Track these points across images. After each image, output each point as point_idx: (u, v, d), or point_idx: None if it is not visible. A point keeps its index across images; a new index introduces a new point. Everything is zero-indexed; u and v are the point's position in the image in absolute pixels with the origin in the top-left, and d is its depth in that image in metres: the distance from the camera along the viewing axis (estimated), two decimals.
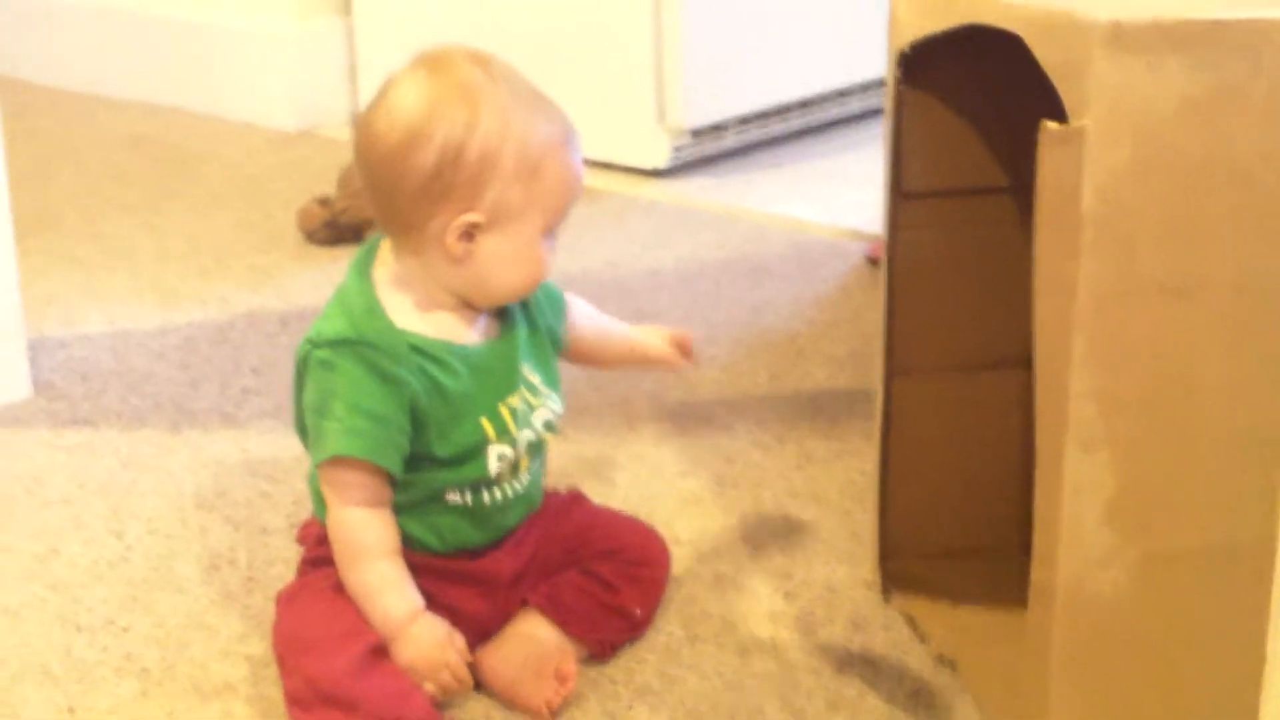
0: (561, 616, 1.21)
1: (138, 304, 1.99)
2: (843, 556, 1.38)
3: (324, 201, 2.21)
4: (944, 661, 1.23)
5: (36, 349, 1.80)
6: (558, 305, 1.25)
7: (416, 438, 1.14)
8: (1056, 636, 1.04)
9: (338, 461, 1.13)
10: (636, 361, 1.34)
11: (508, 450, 1.17)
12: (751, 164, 2.60)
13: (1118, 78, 0.94)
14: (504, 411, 1.17)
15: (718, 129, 2.58)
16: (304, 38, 2.82)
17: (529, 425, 1.19)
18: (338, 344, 1.13)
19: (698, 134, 2.54)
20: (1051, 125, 0.96)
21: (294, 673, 1.13)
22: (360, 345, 1.12)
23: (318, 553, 1.21)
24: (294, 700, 1.13)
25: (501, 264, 1.14)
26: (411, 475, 1.15)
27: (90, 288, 2.05)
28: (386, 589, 1.15)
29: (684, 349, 1.32)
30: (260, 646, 1.25)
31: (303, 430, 1.19)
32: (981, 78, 1.21)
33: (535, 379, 1.20)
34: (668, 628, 1.27)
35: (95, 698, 1.19)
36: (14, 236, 1.70)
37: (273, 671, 1.21)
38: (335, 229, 2.19)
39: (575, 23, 2.53)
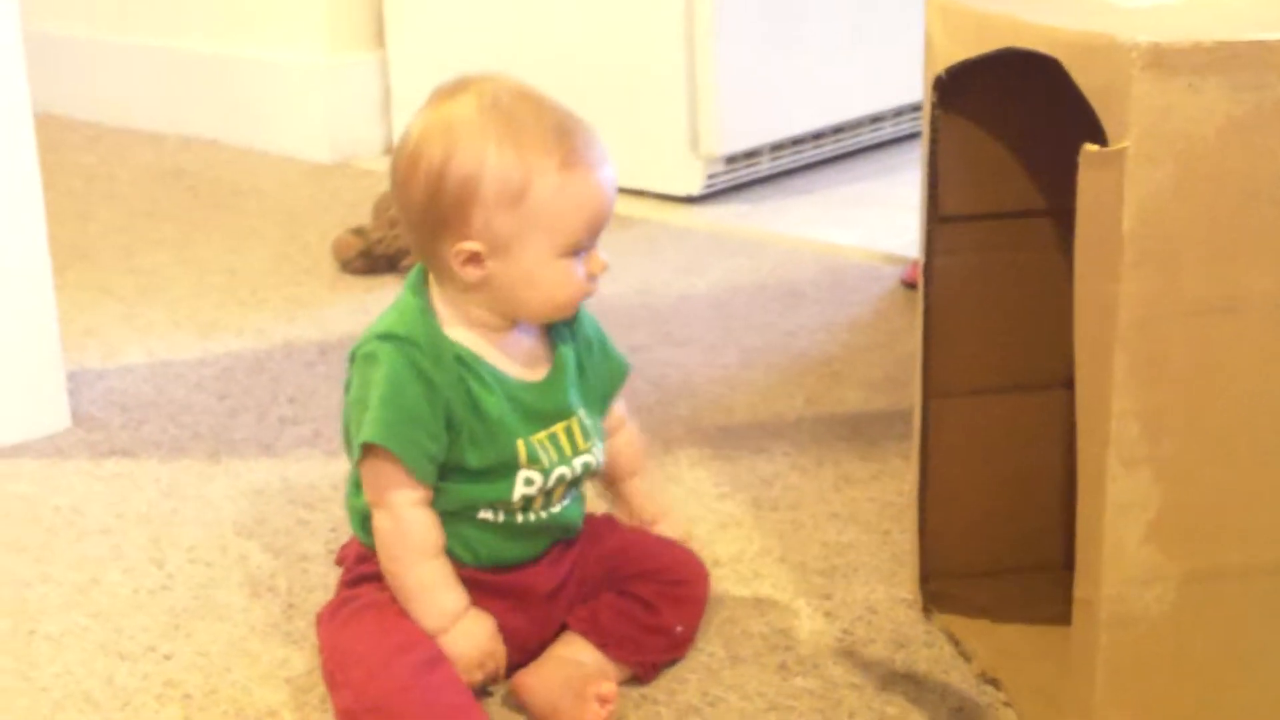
0: (602, 639, 1.21)
1: (176, 335, 2.00)
2: (883, 576, 1.38)
3: (359, 232, 2.22)
4: (987, 680, 1.22)
5: (76, 381, 1.82)
6: (615, 377, 1.27)
7: (451, 444, 1.15)
8: (1100, 655, 1.03)
9: (370, 451, 1.14)
10: (617, 501, 1.34)
11: (536, 476, 1.18)
12: (785, 189, 2.60)
13: (1158, 99, 0.94)
14: (538, 443, 1.18)
15: (751, 155, 2.58)
16: (338, 70, 2.84)
17: (567, 463, 1.20)
18: (386, 338, 1.15)
19: (731, 160, 2.55)
20: (1091, 148, 0.96)
21: (344, 687, 1.13)
22: (405, 342, 1.14)
23: (358, 572, 1.21)
24: (346, 715, 1.13)
25: (519, 288, 1.15)
26: (443, 484, 1.16)
27: (128, 320, 2.06)
28: (438, 586, 1.16)
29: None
30: (302, 671, 1.25)
31: (347, 439, 1.19)
32: (1018, 102, 1.21)
33: (582, 432, 1.21)
34: (709, 648, 1.27)
35: None
36: (52, 270, 1.71)
37: (315, 696, 1.21)
38: (370, 259, 2.20)
39: (609, 51, 2.54)
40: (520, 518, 1.19)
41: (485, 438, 1.16)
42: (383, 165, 2.68)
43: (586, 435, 1.21)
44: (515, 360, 1.19)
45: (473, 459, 1.16)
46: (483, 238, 1.13)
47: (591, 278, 1.17)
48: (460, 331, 1.17)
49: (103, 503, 1.55)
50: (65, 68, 3.17)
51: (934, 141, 1.21)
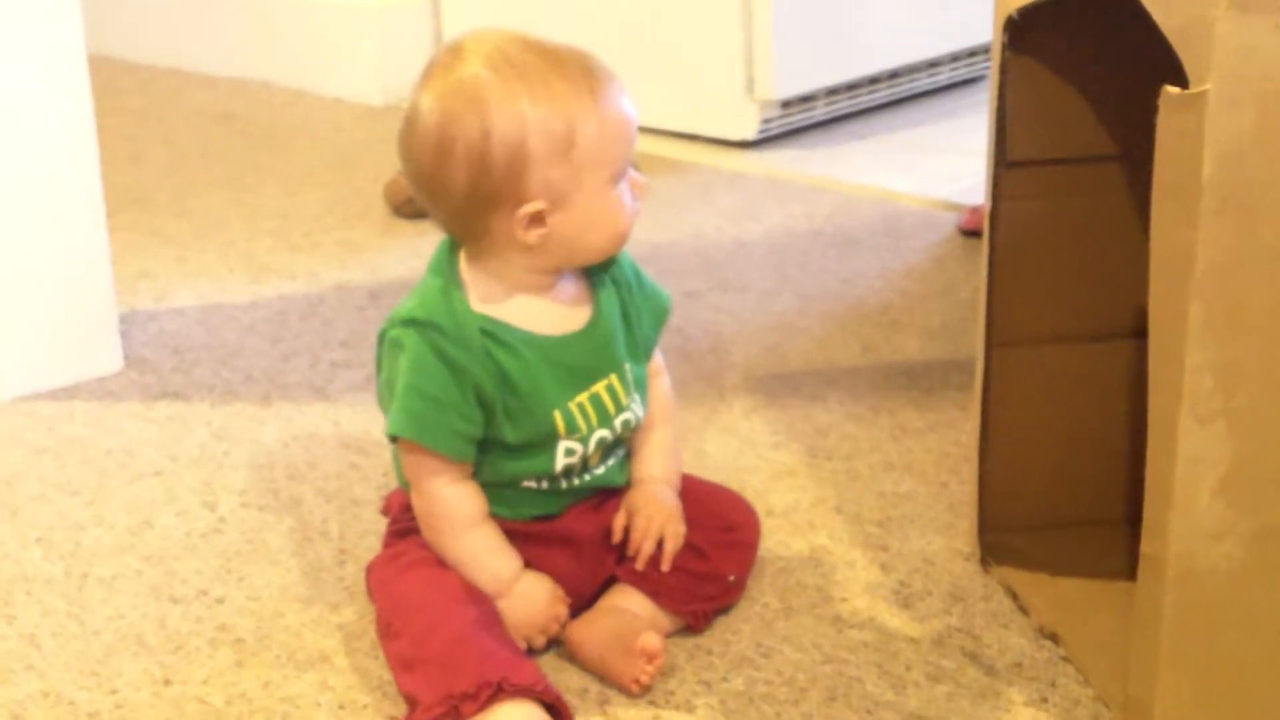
0: (653, 587, 1.20)
1: (228, 278, 2.00)
2: (940, 528, 1.36)
3: None
4: (1045, 634, 1.20)
5: (128, 323, 1.82)
6: (658, 311, 1.24)
7: (488, 422, 1.14)
8: (1167, 611, 1.01)
9: (401, 441, 1.14)
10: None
11: (576, 446, 1.17)
12: (840, 135, 2.57)
13: (1242, 40, 0.91)
14: (576, 408, 1.16)
15: (807, 100, 2.55)
16: (390, 12, 2.82)
17: (608, 425, 1.18)
18: (408, 324, 1.13)
19: (786, 105, 2.52)
20: (1172, 90, 0.94)
21: (400, 635, 1.13)
22: (428, 327, 1.12)
23: (405, 523, 1.20)
24: (401, 663, 1.12)
25: (582, 231, 1.13)
26: (484, 458, 1.15)
27: (180, 263, 2.06)
28: (488, 553, 1.16)
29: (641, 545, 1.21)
30: (353, 617, 1.24)
31: (383, 404, 1.18)
32: (1090, 43, 1.18)
33: (622, 387, 1.19)
34: (763, 599, 1.26)
35: (191, 669, 1.19)
36: (106, 213, 1.70)
37: (366, 642, 1.21)
38: None
39: None
40: (564, 483, 1.19)
41: (520, 412, 1.14)
42: None
43: (628, 390, 1.19)
44: (557, 315, 1.16)
45: (510, 434, 1.14)
46: (544, 194, 1.11)
47: (636, 193, 1.16)
48: (490, 300, 1.15)
49: (155, 445, 1.55)
50: (118, 10, 3.17)
51: (1003, 84, 1.19)
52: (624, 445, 1.23)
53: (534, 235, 1.12)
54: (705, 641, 1.21)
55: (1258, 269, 0.95)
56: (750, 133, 2.49)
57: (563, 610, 1.17)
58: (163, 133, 2.68)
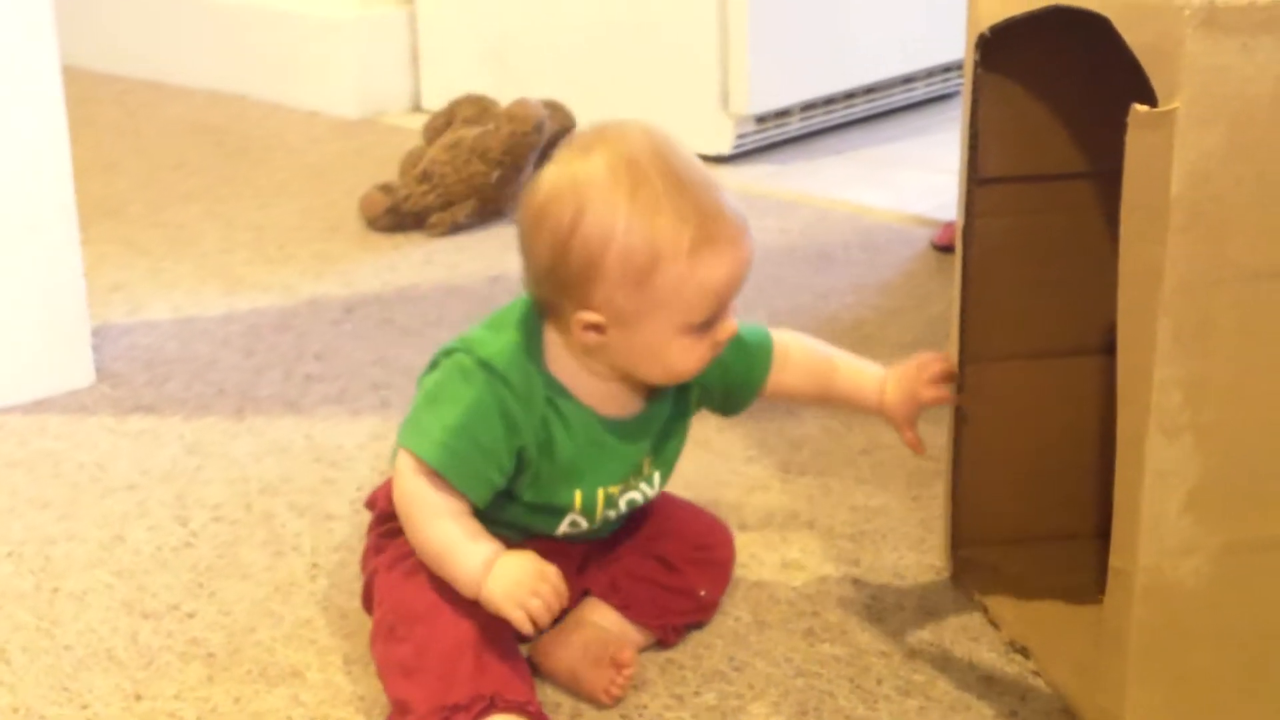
0: (623, 600, 1.20)
1: (202, 291, 1.99)
2: (912, 543, 1.36)
3: (386, 188, 2.20)
4: (1016, 648, 1.21)
5: (100, 336, 1.81)
6: (754, 369, 1.22)
7: (513, 478, 1.13)
8: (1135, 625, 1.02)
9: (424, 464, 1.10)
10: (855, 409, 1.28)
11: (582, 521, 1.17)
12: (815, 150, 2.58)
13: (1211, 60, 0.92)
14: (601, 493, 1.16)
15: (782, 115, 2.56)
16: (367, 24, 2.82)
17: (615, 507, 1.18)
18: (484, 365, 1.11)
19: (761, 119, 2.52)
20: (1141, 108, 0.94)
21: (404, 641, 1.11)
22: (500, 379, 1.10)
23: (397, 522, 1.19)
24: (400, 669, 1.11)
25: (637, 359, 1.11)
26: (492, 503, 1.14)
27: (154, 275, 2.05)
28: (462, 540, 1.10)
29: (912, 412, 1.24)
30: (325, 631, 1.24)
31: (421, 417, 1.15)
32: (1061, 61, 1.18)
33: (649, 468, 1.19)
34: (735, 612, 1.26)
35: (161, 683, 1.19)
36: (78, 224, 1.70)
37: (338, 657, 1.21)
38: (398, 216, 2.19)
39: (640, 7, 2.52)
40: (559, 538, 1.19)
41: (549, 480, 1.14)
42: (411, 121, 2.66)
43: (651, 478, 1.19)
44: (616, 394, 1.15)
45: (528, 495, 1.14)
46: (604, 311, 1.09)
47: (717, 344, 1.12)
48: (563, 370, 1.13)
49: (127, 459, 1.55)
50: (93, 21, 3.16)
51: (975, 102, 1.19)
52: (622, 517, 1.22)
53: (589, 339, 1.10)
54: (677, 655, 1.21)
55: (1225, 285, 0.95)
56: (725, 147, 2.49)
57: (550, 569, 1.10)
58: (137, 144, 2.68)
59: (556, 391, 1.13)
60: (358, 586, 1.30)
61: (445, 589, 1.12)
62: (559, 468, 1.14)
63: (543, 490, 1.13)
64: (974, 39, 1.17)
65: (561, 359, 1.13)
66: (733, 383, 1.22)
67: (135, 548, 1.38)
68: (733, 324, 1.12)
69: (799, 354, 1.24)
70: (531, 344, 1.13)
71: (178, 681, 1.19)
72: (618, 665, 1.15)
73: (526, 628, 1.08)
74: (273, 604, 1.29)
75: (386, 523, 1.20)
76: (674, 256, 1.07)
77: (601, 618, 1.19)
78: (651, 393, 1.17)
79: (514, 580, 1.09)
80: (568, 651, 1.17)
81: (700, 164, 1.11)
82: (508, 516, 1.16)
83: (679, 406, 1.19)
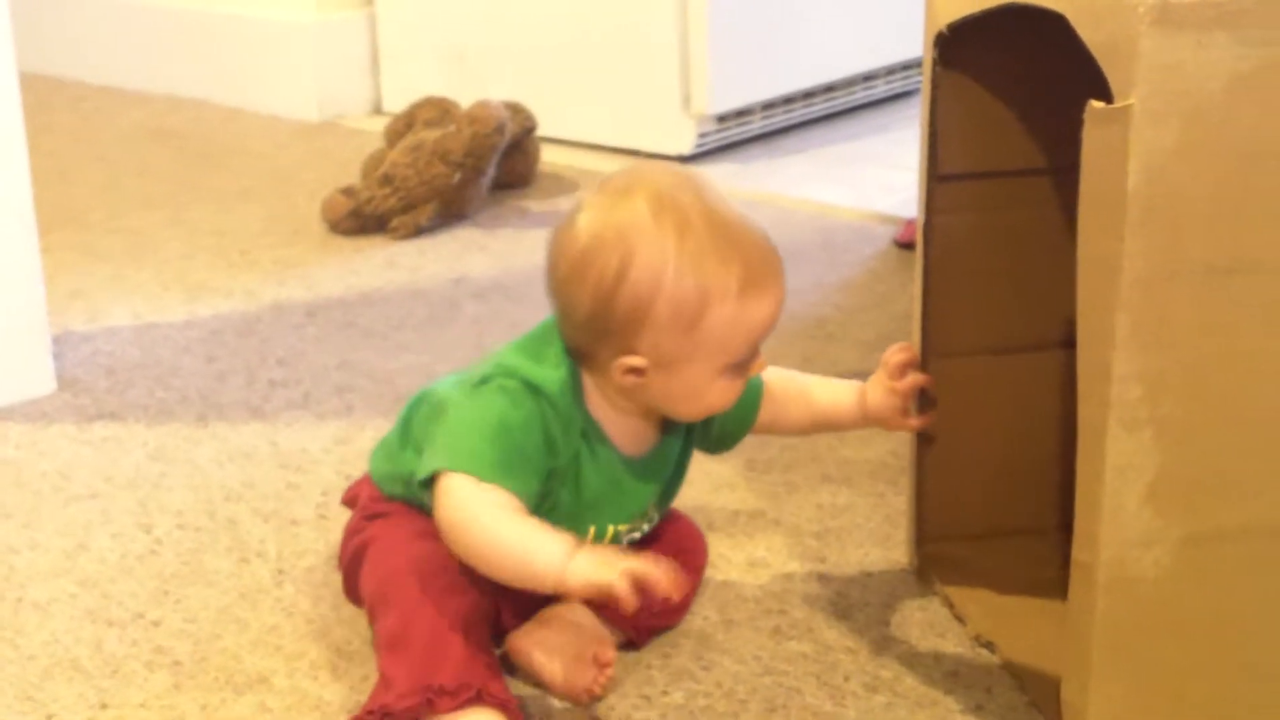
0: (598, 601, 1.20)
1: (163, 297, 1.98)
2: (877, 540, 1.37)
3: (348, 192, 2.20)
4: (981, 642, 1.21)
5: (61, 344, 1.80)
6: (747, 409, 1.23)
7: (536, 505, 1.13)
8: (1098, 617, 1.02)
9: (472, 479, 1.09)
10: (842, 427, 1.30)
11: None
12: (776, 149, 2.59)
13: (1165, 56, 0.92)
14: (609, 530, 1.18)
15: (742, 114, 2.56)
16: (326, 28, 2.81)
17: (619, 542, 1.19)
18: (531, 388, 1.11)
19: (722, 119, 2.53)
20: (1097, 105, 0.95)
21: (391, 609, 1.11)
22: (549, 402, 1.11)
23: (374, 509, 1.19)
24: (386, 641, 1.10)
25: (675, 398, 1.13)
26: None
27: (115, 282, 2.04)
28: (536, 531, 1.07)
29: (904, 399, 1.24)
30: (292, 638, 1.24)
31: (412, 426, 1.16)
32: (1018, 59, 1.19)
33: (653, 510, 1.20)
34: (702, 612, 1.26)
35: (127, 692, 1.18)
36: (38, 231, 1.69)
37: (305, 663, 1.20)
38: (360, 219, 2.19)
39: (600, 9, 2.52)
40: None
41: (567, 514, 1.14)
42: (372, 124, 2.66)
43: (646, 519, 1.21)
44: (637, 433, 1.17)
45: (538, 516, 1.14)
46: (648, 355, 1.09)
47: (747, 378, 1.15)
48: (598, 407, 1.14)
49: (90, 467, 1.54)
50: (50, 27, 3.14)
51: (934, 99, 1.20)
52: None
53: (629, 381, 1.11)
54: (645, 655, 1.21)
55: (1182, 279, 0.96)
56: (687, 147, 2.49)
57: (633, 560, 1.05)
58: (97, 150, 2.66)
59: (592, 428, 1.14)
60: (325, 591, 1.30)
61: (440, 561, 1.11)
62: (581, 503, 1.15)
63: (559, 522, 1.12)
64: (932, 37, 1.18)
65: (594, 397, 1.14)
66: (728, 421, 1.23)
67: (99, 556, 1.37)
68: (764, 359, 1.14)
69: (779, 387, 1.26)
70: (575, 381, 1.13)
71: (144, 690, 1.18)
72: (599, 664, 1.15)
73: (630, 598, 1.03)
74: (238, 610, 1.28)
75: (365, 510, 1.20)
76: (723, 299, 1.08)
77: (574, 614, 1.19)
78: (665, 426, 1.18)
79: (603, 554, 1.05)
80: (545, 649, 1.17)
81: (729, 199, 1.12)
82: None
83: (687, 441, 1.21)
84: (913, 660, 1.20)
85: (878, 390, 1.24)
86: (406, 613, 1.11)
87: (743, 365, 1.12)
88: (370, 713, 1.08)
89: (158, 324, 1.90)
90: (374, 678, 1.18)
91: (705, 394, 1.12)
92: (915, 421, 1.25)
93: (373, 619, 1.15)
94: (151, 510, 1.45)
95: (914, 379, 1.24)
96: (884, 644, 1.22)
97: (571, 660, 1.15)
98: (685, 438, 1.21)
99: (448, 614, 1.10)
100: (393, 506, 1.20)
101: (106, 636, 1.25)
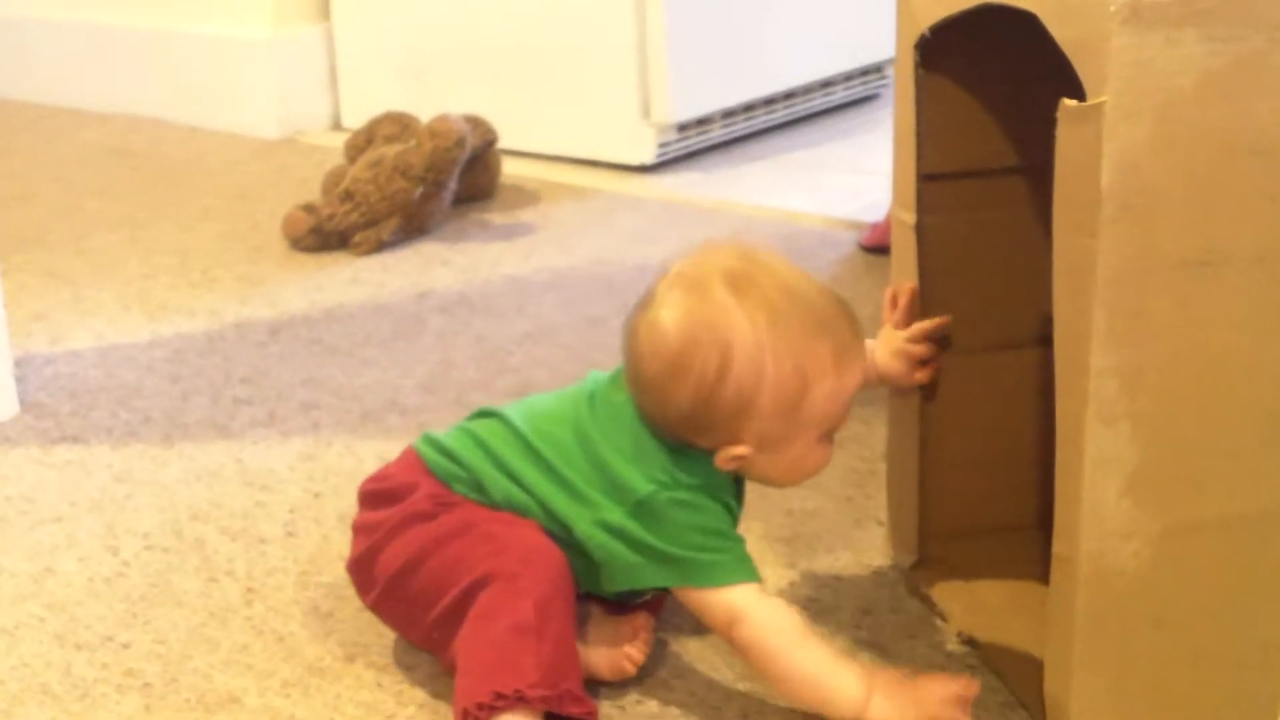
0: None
1: (125, 318, 1.96)
2: (847, 543, 1.36)
3: (309, 208, 2.19)
4: (964, 638, 1.21)
5: (23, 367, 1.78)
6: None
7: None
8: (1079, 610, 1.02)
9: (752, 586, 1.11)
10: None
11: None
12: (738, 157, 2.58)
13: (1136, 53, 0.93)
14: None
15: (703, 123, 2.56)
16: (283, 45, 2.80)
17: None
18: (694, 489, 1.12)
19: (683, 128, 2.53)
20: (1069, 103, 0.95)
21: (524, 595, 1.09)
22: (709, 490, 1.12)
23: (450, 499, 1.16)
24: (518, 628, 1.08)
25: (778, 474, 1.15)
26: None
27: (77, 304, 2.02)
28: (832, 662, 1.10)
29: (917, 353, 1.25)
30: (262, 656, 1.22)
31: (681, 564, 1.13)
32: (993, 59, 1.19)
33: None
34: (674, 620, 1.25)
35: (98, 715, 1.17)
36: None
37: (276, 682, 1.19)
38: (321, 235, 2.17)
39: (558, 20, 2.52)
40: None
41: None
42: (331, 140, 2.65)
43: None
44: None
45: None
46: (754, 441, 1.11)
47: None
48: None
49: (54, 490, 1.52)
50: (6, 49, 3.12)
51: (917, 101, 1.20)
52: None
53: (731, 465, 1.12)
54: None
55: (1157, 275, 0.96)
56: (648, 157, 2.49)
57: (940, 690, 1.09)
58: (55, 171, 2.64)
59: (728, 494, 1.15)
60: (294, 609, 1.29)
61: (566, 575, 1.12)
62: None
63: None
64: (911, 39, 1.18)
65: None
66: None
67: (66, 579, 1.36)
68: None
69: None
70: (703, 461, 1.13)
71: (114, 713, 1.17)
72: (636, 630, 1.17)
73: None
74: (208, 630, 1.27)
75: (445, 501, 1.17)
76: (821, 378, 1.10)
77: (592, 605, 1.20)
78: None
79: (899, 699, 1.08)
80: (581, 642, 1.16)
81: (787, 260, 1.14)
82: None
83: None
84: (885, 663, 1.19)
85: (884, 351, 1.24)
86: (542, 604, 1.09)
87: (837, 427, 1.14)
88: (502, 696, 1.06)
89: (120, 345, 1.88)
90: (346, 695, 1.17)
91: (806, 463, 1.14)
92: (922, 374, 1.25)
93: (466, 596, 1.11)
94: (118, 532, 1.43)
95: (926, 348, 1.24)
96: (856, 647, 1.21)
97: (608, 641, 1.17)
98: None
99: (571, 619, 1.11)
100: (461, 499, 1.17)
101: (76, 660, 1.24)
